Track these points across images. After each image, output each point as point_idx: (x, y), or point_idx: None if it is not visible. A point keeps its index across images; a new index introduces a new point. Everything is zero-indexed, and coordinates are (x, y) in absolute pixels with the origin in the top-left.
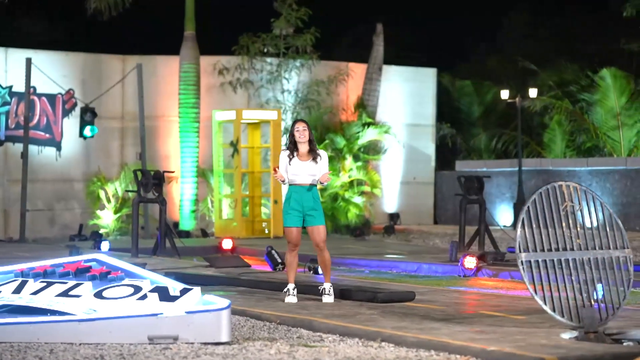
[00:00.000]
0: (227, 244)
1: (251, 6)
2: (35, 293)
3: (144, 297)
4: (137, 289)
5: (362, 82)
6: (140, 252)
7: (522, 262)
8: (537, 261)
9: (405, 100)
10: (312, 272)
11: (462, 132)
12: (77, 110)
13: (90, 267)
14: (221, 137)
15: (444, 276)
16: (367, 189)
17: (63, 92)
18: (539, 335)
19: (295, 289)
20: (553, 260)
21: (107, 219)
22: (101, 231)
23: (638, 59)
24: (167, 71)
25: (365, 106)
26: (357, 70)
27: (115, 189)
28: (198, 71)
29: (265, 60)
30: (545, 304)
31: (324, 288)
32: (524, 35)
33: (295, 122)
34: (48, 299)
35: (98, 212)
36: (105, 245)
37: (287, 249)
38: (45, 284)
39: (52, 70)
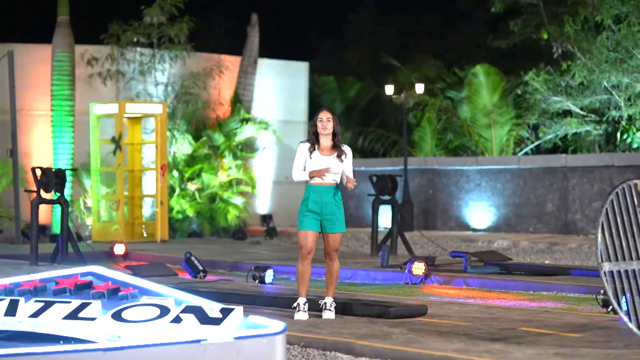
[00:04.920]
0: (119, 249)
1: None
2: (35, 315)
3: (178, 319)
4: (164, 309)
5: (236, 76)
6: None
7: (605, 272)
8: (620, 272)
9: (277, 95)
10: (257, 281)
11: None
12: None
13: (91, 282)
14: (98, 133)
15: (388, 283)
16: (246, 188)
17: None
18: (633, 358)
19: (307, 304)
20: (634, 270)
21: None
22: None
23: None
24: (27, 61)
25: (241, 101)
26: (231, 63)
27: None
28: (73, 60)
29: (137, 50)
30: (630, 320)
31: (326, 302)
32: (372, 32)
33: (319, 110)
34: (55, 322)
35: None
36: None
37: (299, 257)
38: (42, 303)
39: None
